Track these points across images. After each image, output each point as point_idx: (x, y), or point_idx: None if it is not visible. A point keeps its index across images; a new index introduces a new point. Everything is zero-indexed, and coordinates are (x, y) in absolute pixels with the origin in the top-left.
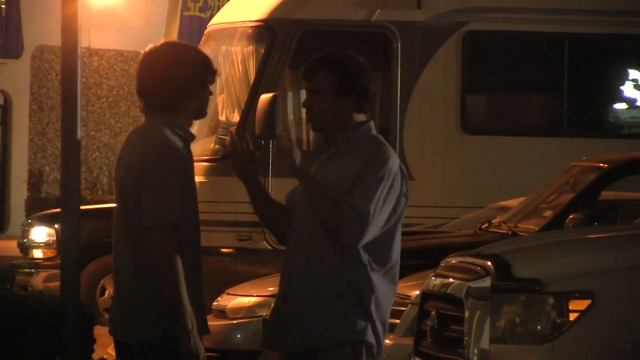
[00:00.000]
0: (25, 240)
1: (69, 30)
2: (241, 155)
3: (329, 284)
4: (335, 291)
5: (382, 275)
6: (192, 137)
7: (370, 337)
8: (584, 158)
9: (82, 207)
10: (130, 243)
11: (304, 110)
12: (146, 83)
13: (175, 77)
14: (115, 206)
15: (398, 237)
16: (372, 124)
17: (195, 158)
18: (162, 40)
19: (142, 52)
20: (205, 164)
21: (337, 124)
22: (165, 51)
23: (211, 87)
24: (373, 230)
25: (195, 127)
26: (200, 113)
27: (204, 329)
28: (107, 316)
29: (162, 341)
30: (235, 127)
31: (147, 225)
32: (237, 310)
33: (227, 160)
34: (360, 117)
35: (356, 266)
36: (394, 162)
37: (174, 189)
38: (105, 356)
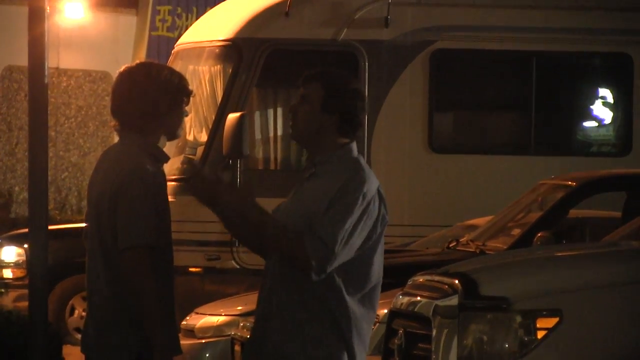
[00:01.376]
0: None
1: (37, 50)
2: (200, 179)
3: (305, 308)
4: (311, 315)
5: (358, 300)
6: (167, 158)
7: None
8: (552, 176)
9: (50, 227)
10: (105, 263)
11: (272, 130)
12: (119, 103)
13: (147, 98)
14: (90, 227)
15: (377, 261)
16: (353, 145)
17: None
18: (135, 61)
19: (110, 72)
20: (173, 183)
21: (316, 139)
22: (138, 71)
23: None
24: (340, 259)
25: (165, 147)
26: (173, 135)
27: (176, 349)
28: (77, 336)
29: None
30: (200, 147)
31: (122, 247)
32: (206, 329)
33: (188, 184)
34: (343, 140)
35: (330, 291)
36: (371, 185)
37: (148, 212)
38: None
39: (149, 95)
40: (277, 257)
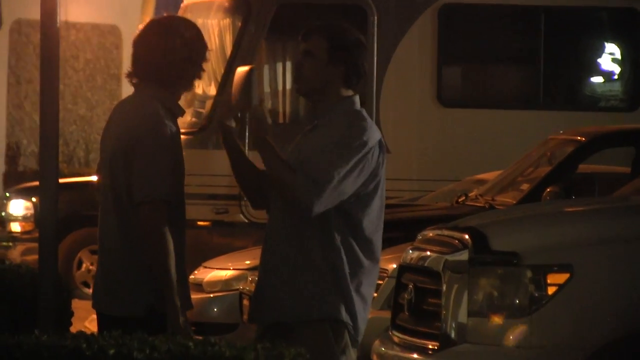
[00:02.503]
0: (3, 214)
1: (48, 2)
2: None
3: (305, 261)
4: (309, 265)
5: (359, 253)
6: (182, 112)
7: (345, 316)
8: (561, 131)
9: (59, 180)
10: (119, 218)
11: (280, 83)
12: (140, 55)
13: (169, 50)
14: (103, 180)
15: (375, 211)
16: (357, 98)
17: None
18: (148, 14)
19: (119, 25)
20: (182, 137)
21: (322, 91)
22: (161, 24)
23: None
24: (329, 198)
25: None
26: (189, 87)
27: (187, 304)
28: (84, 289)
29: (148, 315)
30: (209, 100)
31: (138, 201)
32: (214, 283)
33: (205, 132)
34: (347, 92)
35: (330, 244)
36: (372, 136)
37: (165, 165)
38: (82, 329)
39: (171, 47)
40: (279, 207)
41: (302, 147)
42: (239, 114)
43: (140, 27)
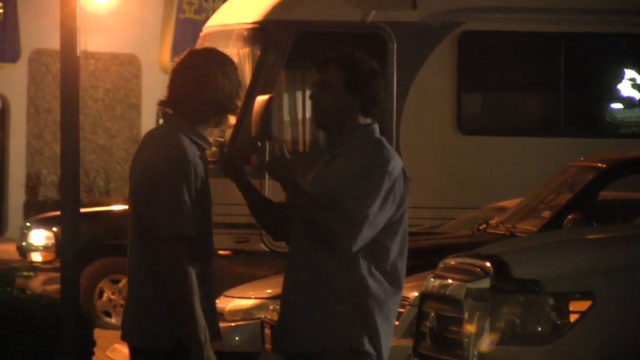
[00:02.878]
0: (24, 244)
1: (68, 32)
2: (231, 159)
3: (328, 290)
4: (332, 295)
5: (381, 279)
6: (210, 146)
7: (368, 347)
8: (582, 158)
9: (79, 210)
10: (143, 249)
11: (300, 112)
12: (175, 86)
13: (207, 86)
14: (130, 210)
15: (400, 239)
16: (376, 126)
17: None
18: (168, 45)
19: (137, 55)
20: None
21: (341, 122)
22: (199, 57)
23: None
24: (366, 235)
25: None
26: (221, 123)
27: (216, 335)
28: (105, 319)
29: (175, 348)
30: (229, 130)
31: (161, 237)
32: (235, 312)
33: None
34: (365, 121)
35: (355, 273)
36: (396, 165)
37: (186, 202)
38: (104, 359)
39: (207, 81)
40: (300, 237)
41: (325, 178)
42: (259, 144)
43: (178, 57)
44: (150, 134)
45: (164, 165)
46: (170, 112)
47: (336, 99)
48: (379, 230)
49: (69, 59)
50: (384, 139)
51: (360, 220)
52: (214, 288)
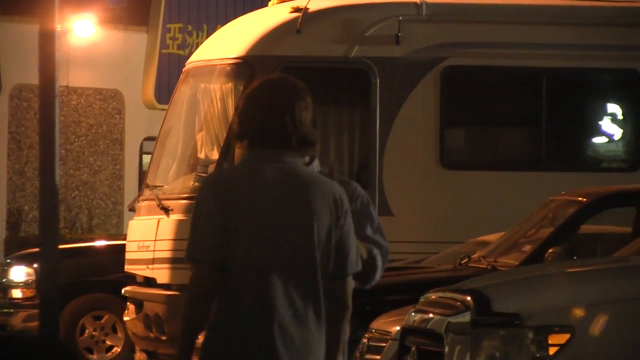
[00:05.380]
0: (4, 280)
1: (47, 73)
2: None
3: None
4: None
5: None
6: None
7: None
8: (563, 192)
9: (61, 246)
10: None
11: None
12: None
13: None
14: None
15: None
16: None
17: (175, 196)
18: (151, 80)
19: (121, 90)
20: (184, 201)
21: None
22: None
23: (191, 125)
24: None
25: (175, 165)
26: None
27: None
28: (87, 355)
29: None
30: (212, 165)
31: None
32: None
33: None
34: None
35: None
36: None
37: (201, 227)
38: None
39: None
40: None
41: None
42: None
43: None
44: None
45: None
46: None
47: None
48: None
49: (47, 99)
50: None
51: (388, 248)
52: (235, 323)
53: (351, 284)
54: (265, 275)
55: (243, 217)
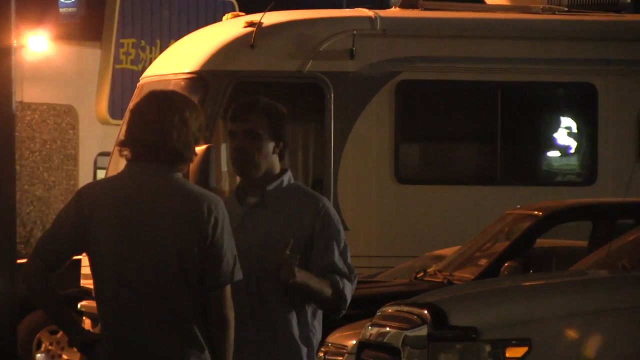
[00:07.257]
0: None
1: (4, 84)
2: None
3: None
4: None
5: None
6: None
7: None
8: (518, 206)
9: (17, 261)
10: None
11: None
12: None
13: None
14: None
15: None
16: (289, 171)
17: None
18: (105, 96)
19: (74, 105)
20: None
21: (269, 169)
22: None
23: None
24: None
25: None
26: None
27: None
28: None
29: None
30: None
31: None
32: None
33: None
34: (282, 165)
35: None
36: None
37: (55, 229)
38: None
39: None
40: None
41: (261, 227)
42: None
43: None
44: None
45: None
46: None
47: (263, 146)
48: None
49: (5, 115)
50: (301, 184)
51: (353, 275)
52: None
53: (228, 294)
54: (121, 282)
55: (99, 226)
